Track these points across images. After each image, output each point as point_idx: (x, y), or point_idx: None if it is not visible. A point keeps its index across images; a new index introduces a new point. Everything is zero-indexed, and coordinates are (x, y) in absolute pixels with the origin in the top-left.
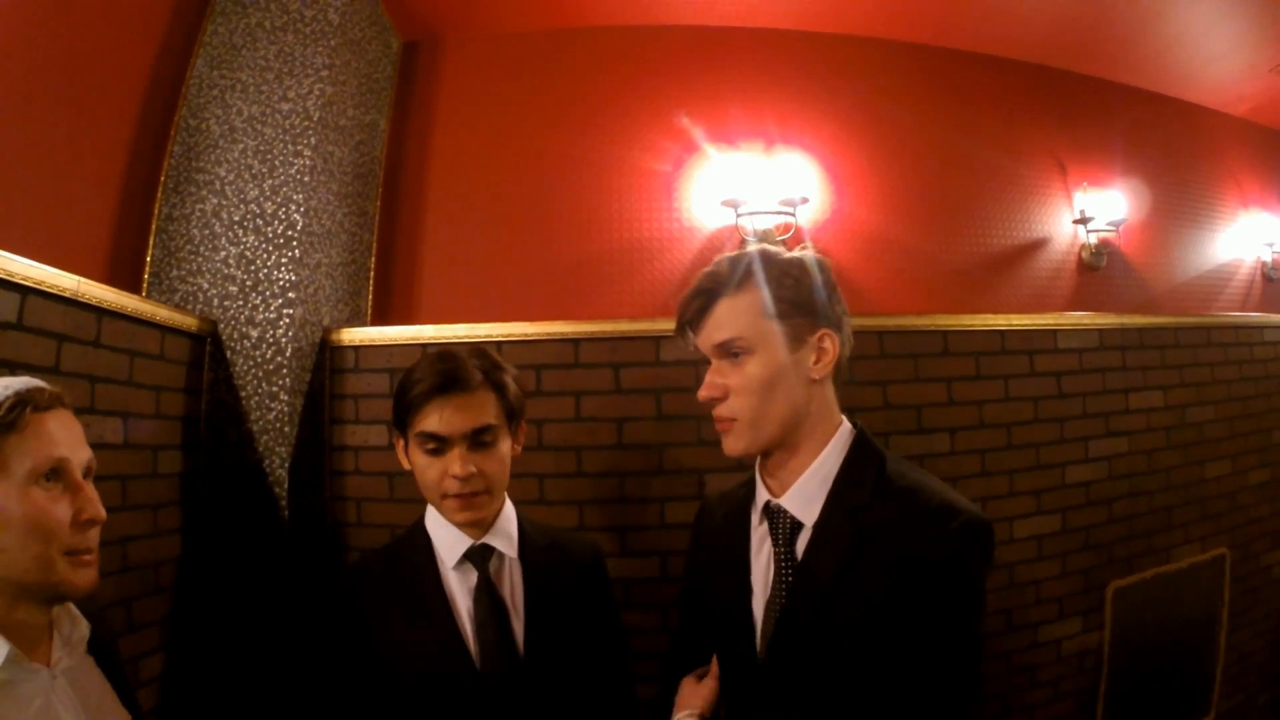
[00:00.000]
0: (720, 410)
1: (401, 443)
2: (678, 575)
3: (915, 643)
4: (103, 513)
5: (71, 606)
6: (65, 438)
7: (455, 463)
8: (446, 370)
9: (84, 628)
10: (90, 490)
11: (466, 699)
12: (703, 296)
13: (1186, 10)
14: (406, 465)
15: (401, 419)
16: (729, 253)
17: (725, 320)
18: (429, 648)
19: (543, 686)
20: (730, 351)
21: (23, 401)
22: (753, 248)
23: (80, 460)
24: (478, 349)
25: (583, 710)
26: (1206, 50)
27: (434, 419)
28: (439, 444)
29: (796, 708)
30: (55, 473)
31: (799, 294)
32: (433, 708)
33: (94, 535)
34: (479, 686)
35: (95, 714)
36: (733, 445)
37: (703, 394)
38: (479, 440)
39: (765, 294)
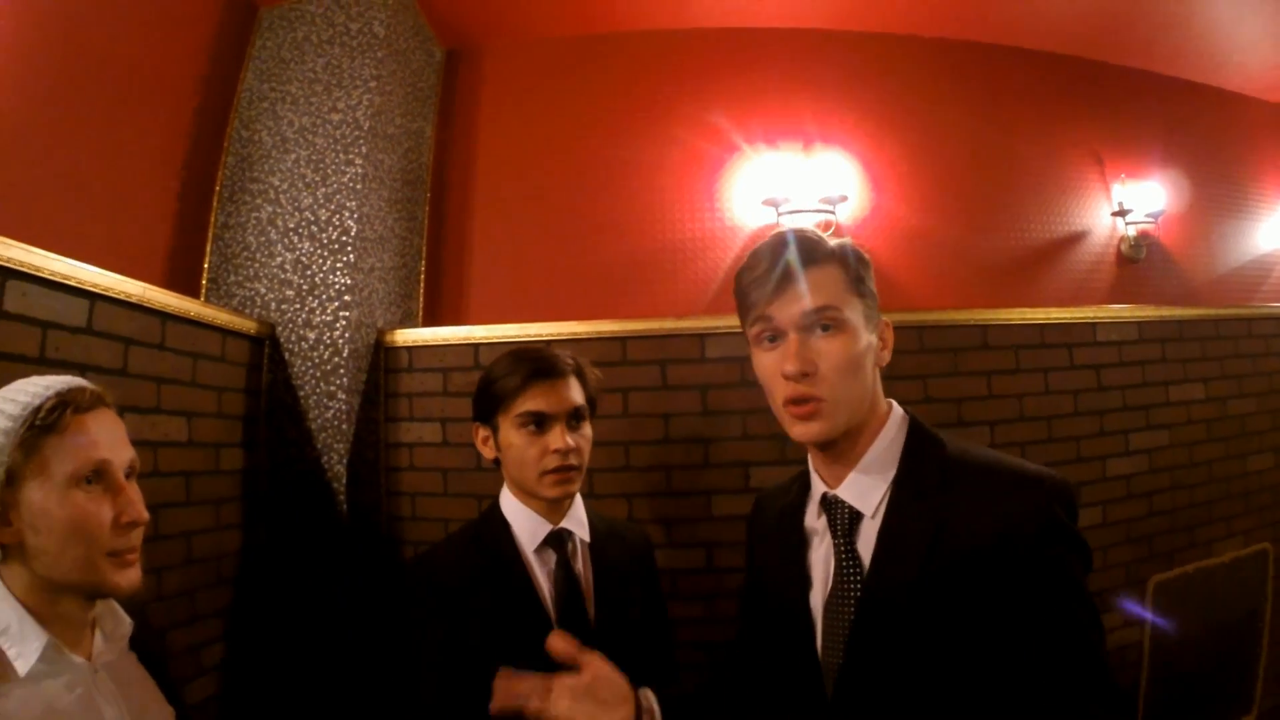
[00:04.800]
0: (805, 389)
1: (484, 433)
2: (723, 567)
3: (1033, 627)
4: (144, 514)
5: (114, 603)
6: (107, 439)
7: (557, 438)
8: (542, 359)
9: (126, 625)
10: (132, 492)
11: (549, 667)
12: (787, 264)
13: None
14: (490, 454)
15: (492, 408)
16: (783, 229)
17: (817, 287)
18: (516, 622)
19: (611, 656)
20: (820, 323)
21: (64, 403)
22: (798, 228)
23: (122, 461)
24: (551, 348)
25: (639, 681)
26: (1241, 37)
27: (538, 400)
28: (541, 422)
29: (878, 712)
30: (97, 474)
31: (869, 275)
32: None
33: (136, 536)
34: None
35: (137, 707)
36: (818, 430)
37: (794, 367)
38: (574, 419)
39: (850, 267)
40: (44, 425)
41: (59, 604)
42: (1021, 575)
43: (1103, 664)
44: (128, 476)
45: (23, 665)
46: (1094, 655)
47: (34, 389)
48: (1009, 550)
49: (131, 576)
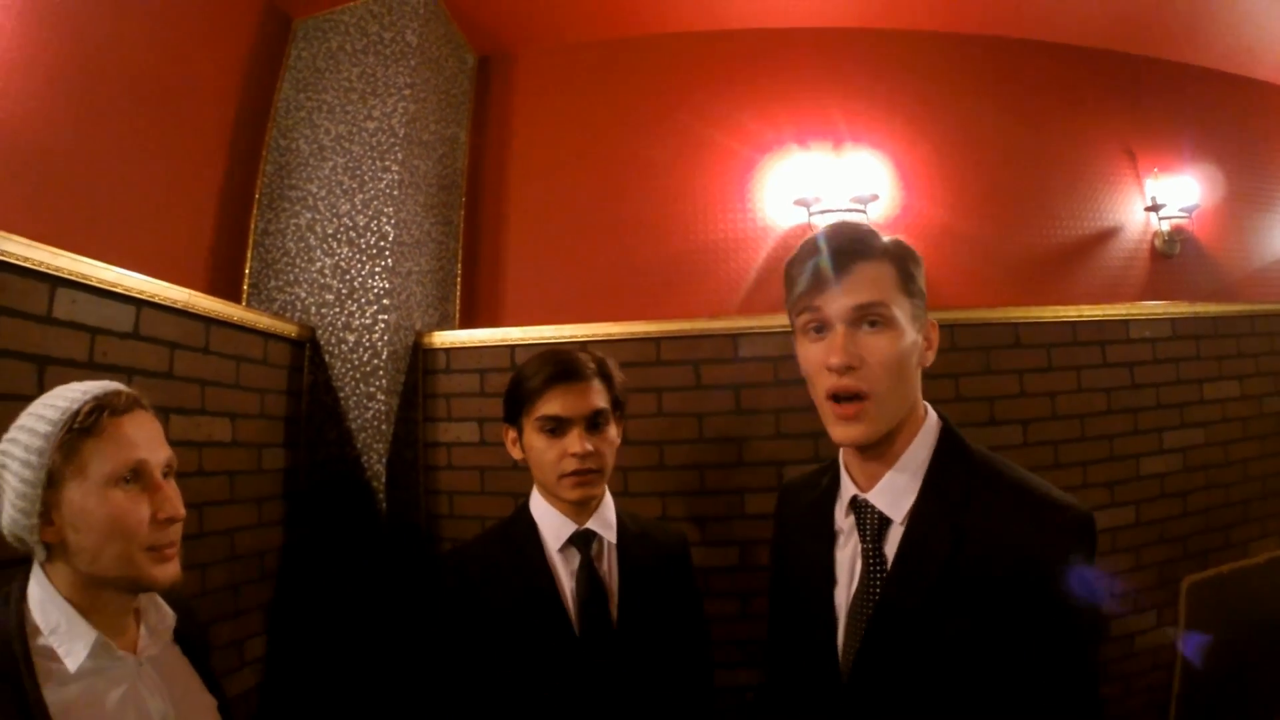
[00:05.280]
0: (850, 382)
1: (512, 434)
2: (757, 565)
3: (1030, 647)
4: (181, 510)
5: (157, 596)
6: (143, 439)
7: (575, 442)
8: (563, 361)
9: (169, 617)
10: (169, 489)
11: (567, 665)
12: (843, 255)
13: None
14: (518, 455)
15: (517, 410)
16: (835, 221)
17: (867, 283)
18: (535, 620)
19: (633, 658)
20: (868, 319)
21: (100, 407)
22: (852, 222)
23: (159, 460)
24: (583, 348)
25: (665, 682)
26: (1275, 26)
27: (556, 403)
28: (559, 426)
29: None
30: (135, 474)
31: (920, 274)
32: (537, 672)
33: (175, 531)
34: (578, 655)
35: (181, 699)
36: (860, 433)
37: (840, 360)
38: (594, 423)
39: (901, 265)
40: (82, 428)
41: (101, 599)
42: (1029, 609)
43: (1095, 703)
44: (165, 475)
45: (72, 662)
46: (1084, 694)
47: (72, 394)
48: (1022, 581)
49: (170, 570)
